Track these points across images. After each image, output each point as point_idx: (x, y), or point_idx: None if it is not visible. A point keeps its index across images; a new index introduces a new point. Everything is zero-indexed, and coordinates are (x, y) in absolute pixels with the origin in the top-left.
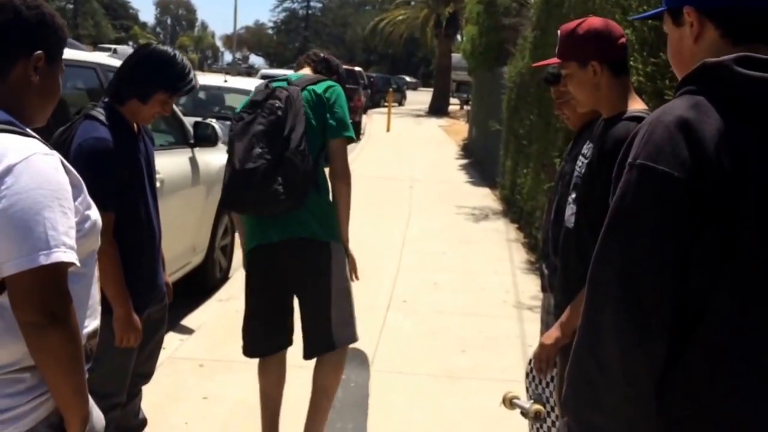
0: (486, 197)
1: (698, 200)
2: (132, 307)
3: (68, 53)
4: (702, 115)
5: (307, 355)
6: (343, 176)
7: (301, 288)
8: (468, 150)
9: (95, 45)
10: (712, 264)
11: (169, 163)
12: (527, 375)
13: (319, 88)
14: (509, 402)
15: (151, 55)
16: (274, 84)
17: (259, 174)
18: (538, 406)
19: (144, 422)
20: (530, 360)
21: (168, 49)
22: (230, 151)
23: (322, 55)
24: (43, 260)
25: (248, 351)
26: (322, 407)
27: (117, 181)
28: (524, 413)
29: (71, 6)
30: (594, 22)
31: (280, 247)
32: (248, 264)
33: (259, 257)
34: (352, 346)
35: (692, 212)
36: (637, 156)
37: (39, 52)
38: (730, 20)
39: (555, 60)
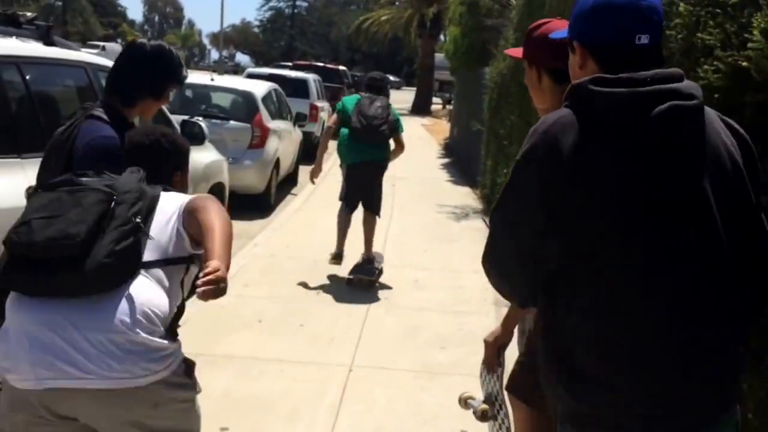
0: (467, 196)
1: (552, 194)
2: None
3: (58, 52)
4: (564, 126)
5: (376, 212)
6: (401, 145)
7: (373, 184)
8: (450, 149)
9: (84, 42)
10: (566, 247)
11: None
12: (480, 375)
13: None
14: (464, 402)
15: (153, 52)
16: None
17: (380, 119)
18: (484, 406)
19: None
20: (483, 360)
21: (161, 42)
22: (359, 108)
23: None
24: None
25: (346, 207)
26: (374, 232)
27: None
28: (474, 412)
29: (60, 3)
30: (551, 27)
31: (370, 163)
32: (350, 169)
33: (357, 167)
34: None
35: (547, 202)
36: (519, 155)
37: (178, 173)
38: (601, 53)
39: (519, 51)
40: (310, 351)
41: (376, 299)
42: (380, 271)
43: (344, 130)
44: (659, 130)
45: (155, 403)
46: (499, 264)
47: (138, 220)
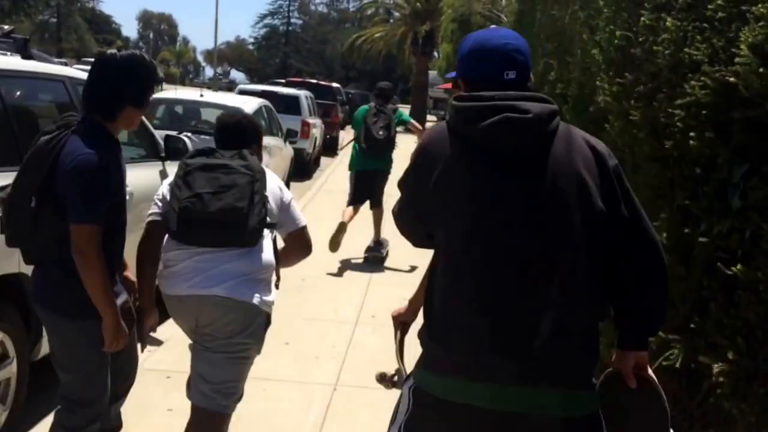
0: None
1: (422, 191)
2: (119, 313)
3: (37, 66)
4: (437, 134)
5: (379, 204)
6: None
7: (377, 187)
8: None
9: (79, 58)
10: (434, 226)
11: (139, 176)
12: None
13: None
14: (380, 378)
15: (127, 62)
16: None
17: (384, 137)
18: (384, 371)
19: (120, 426)
20: None
21: (131, 51)
22: (366, 127)
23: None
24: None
25: (353, 202)
26: (381, 220)
27: (110, 195)
28: (376, 376)
29: (55, 20)
30: None
31: (374, 172)
32: (357, 175)
33: (363, 175)
34: None
35: (418, 197)
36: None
37: (255, 145)
38: (477, 87)
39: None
40: (294, 369)
41: (363, 317)
42: (387, 252)
43: (355, 145)
44: (494, 139)
45: (247, 323)
46: (399, 218)
47: (266, 193)
